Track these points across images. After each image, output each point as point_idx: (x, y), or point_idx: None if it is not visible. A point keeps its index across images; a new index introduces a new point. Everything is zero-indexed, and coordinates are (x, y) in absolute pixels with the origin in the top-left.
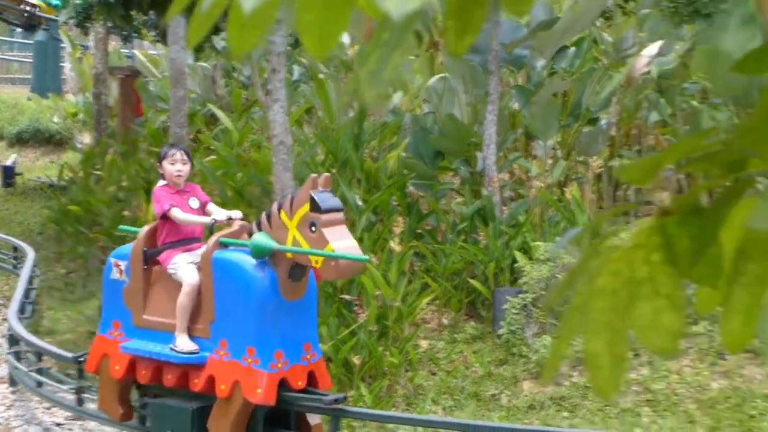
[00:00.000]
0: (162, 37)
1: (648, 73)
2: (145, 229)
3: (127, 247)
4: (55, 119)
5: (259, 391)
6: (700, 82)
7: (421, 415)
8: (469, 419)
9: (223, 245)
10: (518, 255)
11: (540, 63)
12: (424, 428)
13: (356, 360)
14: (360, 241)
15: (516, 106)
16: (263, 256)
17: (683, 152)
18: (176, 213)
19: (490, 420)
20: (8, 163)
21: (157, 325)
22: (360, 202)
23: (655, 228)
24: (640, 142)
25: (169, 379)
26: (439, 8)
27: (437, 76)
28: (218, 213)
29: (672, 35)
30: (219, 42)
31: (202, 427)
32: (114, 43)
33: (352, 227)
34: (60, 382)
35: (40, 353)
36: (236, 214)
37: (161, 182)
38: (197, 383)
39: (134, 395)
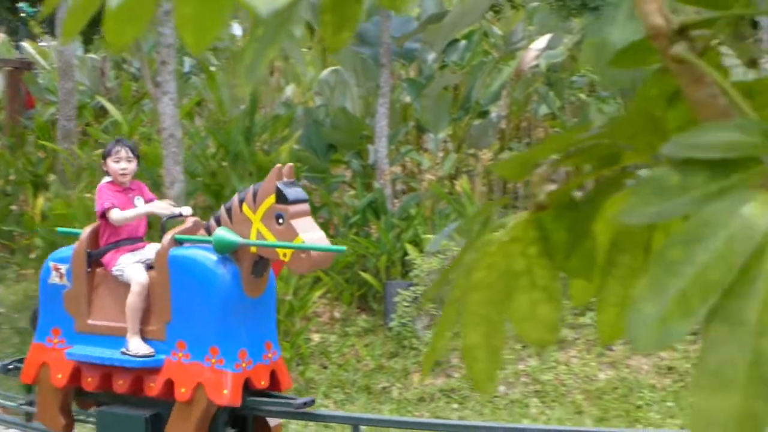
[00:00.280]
0: (50, 29)
1: (537, 66)
2: (88, 229)
3: (67, 250)
4: None
5: (225, 392)
6: (588, 75)
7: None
8: (360, 413)
9: (179, 242)
10: (409, 248)
11: (431, 56)
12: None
13: None
14: None
15: (407, 99)
16: (227, 251)
17: (557, 147)
18: (113, 214)
19: (380, 413)
20: None
21: (104, 330)
22: None
23: (530, 222)
24: (530, 135)
25: (121, 385)
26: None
27: (329, 69)
28: (155, 207)
29: (560, 28)
30: None
31: None
32: (1, 35)
33: None
34: None
35: None
36: (186, 210)
37: (106, 179)
38: (153, 388)
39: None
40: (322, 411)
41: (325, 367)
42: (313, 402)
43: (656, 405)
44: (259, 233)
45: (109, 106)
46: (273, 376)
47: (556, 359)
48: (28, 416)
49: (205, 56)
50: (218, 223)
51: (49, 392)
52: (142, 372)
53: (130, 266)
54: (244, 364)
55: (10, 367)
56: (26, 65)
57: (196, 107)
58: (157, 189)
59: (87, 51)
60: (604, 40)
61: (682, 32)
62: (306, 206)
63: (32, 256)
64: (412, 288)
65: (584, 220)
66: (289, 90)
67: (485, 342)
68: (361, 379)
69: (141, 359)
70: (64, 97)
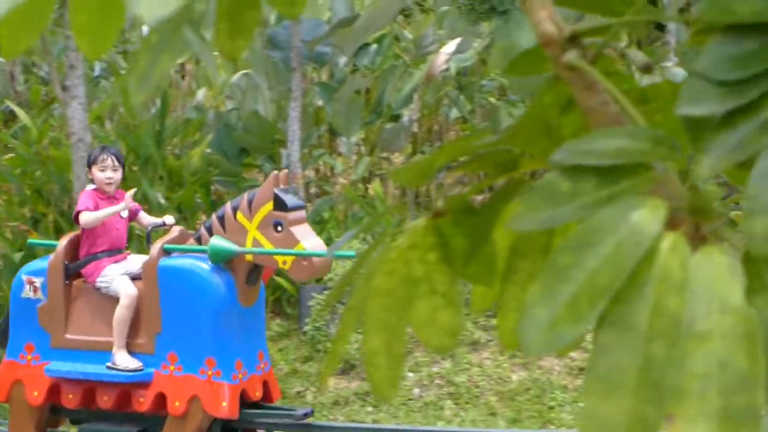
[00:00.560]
0: None
1: (447, 70)
2: (64, 241)
3: (41, 262)
4: None
5: (224, 404)
6: (497, 79)
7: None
8: None
9: (167, 252)
10: None
11: (342, 60)
12: None
13: None
14: None
15: (320, 102)
16: (223, 260)
17: (455, 153)
18: (84, 217)
19: None
20: None
21: (84, 344)
22: (163, 200)
23: (429, 228)
24: (441, 139)
25: (106, 401)
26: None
27: (240, 73)
28: (149, 220)
29: (470, 32)
30: None
31: None
32: None
33: None
34: None
35: None
36: (169, 219)
37: (90, 186)
38: (143, 402)
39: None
40: (319, 422)
41: None
42: (312, 413)
43: (568, 406)
44: (256, 241)
45: (17, 110)
46: (266, 388)
47: (470, 361)
48: None
49: (115, 59)
50: (210, 232)
51: (23, 411)
52: (129, 387)
53: (118, 278)
54: (240, 376)
55: None
56: None
57: (106, 111)
58: (67, 194)
59: None
60: (512, 44)
61: (573, 40)
62: (303, 213)
63: None
64: (326, 292)
65: (484, 226)
66: (201, 94)
67: (386, 348)
68: None
69: (131, 374)
70: None
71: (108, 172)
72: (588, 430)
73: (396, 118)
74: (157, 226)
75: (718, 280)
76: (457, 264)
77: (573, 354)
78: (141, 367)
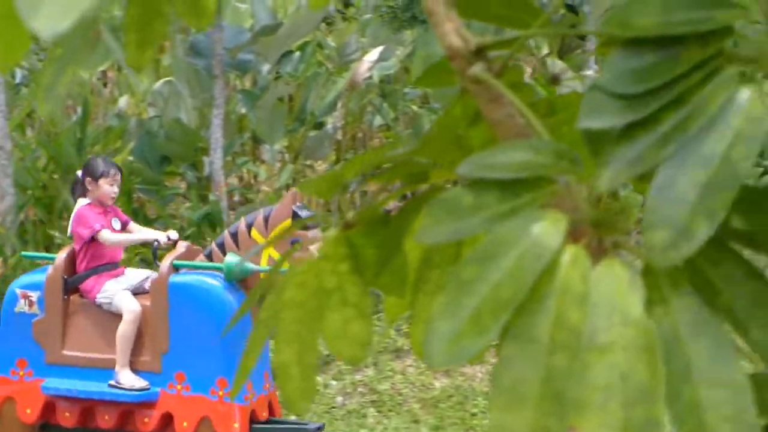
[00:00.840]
0: None
1: (370, 77)
2: (63, 254)
3: (37, 276)
4: None
5: (236, 425)
6: (420, 87)
7: None
8: None
9: (176, 269)
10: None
11: (265, 67)
12: None
13: None
14: None
15: (243, 110)
16: (238, 278)
17: (364, 165)
18: (105, 235)
19: None
20: None
21: (82, 361)
22: None
23: (340, 239)
24: (365, 146)
25: (107, 420)
26: None
27: (162, 80)
28: (144, 233)
29: (392, 40)
30: None
31: None
32: None
33: None
34: None
35: None
36: (173, 234)
37: (83, 201)
38: (148, 423)
39: None
40: None
41: None
42: (323, 427)
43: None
44: (271, 259)
45: None
46: (271, 408)
47: (393, 369)
48: None
49: (36, 67)
50: (221, 248)
51: (14, 428)
52: (132, 406)
53: (119, 294)
54: (250, 396)
55: None
56: None
57: (27, 119)
58: None
59: None
60: (432, 53)
61: (479, 53)
62: (319, 231)
63: None
64: None
65: (395, 237)
66: (123, 101)
67: (298, 360)
68: None
69: (136, 393)
70: None
71: (115, 186)
72: None
73: (320, 125)
74: (167, 241)
75: (619, 292)
76: (369, 275)
77: (495, 361)
78: (147, 386)
